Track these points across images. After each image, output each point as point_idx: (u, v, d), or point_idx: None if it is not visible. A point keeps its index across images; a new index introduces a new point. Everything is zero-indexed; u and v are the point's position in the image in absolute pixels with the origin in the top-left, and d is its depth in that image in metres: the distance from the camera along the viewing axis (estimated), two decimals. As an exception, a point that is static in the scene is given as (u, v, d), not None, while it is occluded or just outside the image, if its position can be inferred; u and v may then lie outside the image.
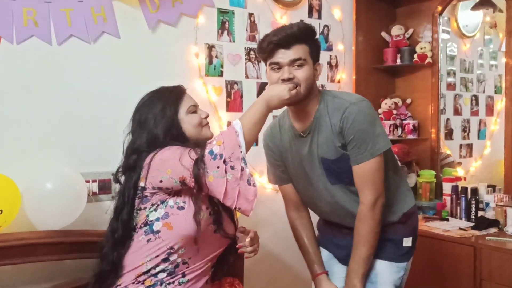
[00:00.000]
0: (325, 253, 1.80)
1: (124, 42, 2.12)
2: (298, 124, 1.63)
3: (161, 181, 1.42)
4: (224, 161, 1.34)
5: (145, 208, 1.47)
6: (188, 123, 1.55)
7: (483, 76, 3.08)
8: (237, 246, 1.63)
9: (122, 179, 1.55)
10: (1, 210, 1.68)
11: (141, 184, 1.46)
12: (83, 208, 1.87)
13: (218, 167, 1.33)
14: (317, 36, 1.61)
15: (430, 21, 2.87)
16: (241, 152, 1.35)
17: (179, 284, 1.48)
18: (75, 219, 1.85)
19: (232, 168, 1.34)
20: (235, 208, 1.36)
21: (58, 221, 1.82)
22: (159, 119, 1.52)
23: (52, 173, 1.87)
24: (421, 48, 2.84)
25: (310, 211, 1.83)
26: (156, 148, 1.48)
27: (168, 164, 1.41)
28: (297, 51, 1.50)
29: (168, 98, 1.56)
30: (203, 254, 1.53)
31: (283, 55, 1.50)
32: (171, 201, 1.45)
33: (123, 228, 1.48)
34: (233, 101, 2.45)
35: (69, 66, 2.00)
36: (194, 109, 1.59)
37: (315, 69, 1.57)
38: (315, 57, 1.56)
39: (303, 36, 1.52)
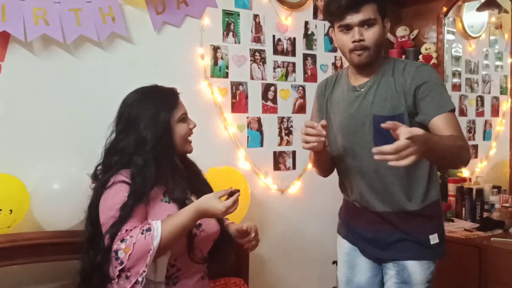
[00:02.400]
0: (347, 245, 1.77)
1: (131, 44, 2.13)
2: (355, 80, 1.64)
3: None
4: (122, 269, 1.30)
5: None
6: (176, 132, 1.52)
7: (488, 76, 3.07)
8: (242, 244, 1.62)
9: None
10: (11, 210, 1.69)
11: None
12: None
13: (115, 267, 1.31)
14: None
15: (435, 22, 2.87)
16: (143, 271, 1.30)
17: (174, 284, 1.48)
18: (82, 219, 1.85)
19: (127, 278, 1.31)
20: None
21: (65, 221, 1.83)
22: (151, 123, 1.47)
23: (60, 174, 1.88)
24: (426, 49, 2.84)
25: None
26: (142, 150, 1.44)
27: (100, 221, 1.41)
28: (367, 11, 1.50)
29: (163, 101, 1.51)
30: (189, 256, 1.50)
31: (353, 17, 1.50)
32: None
33: (93, 227, 1.47)
34: (238, 102, 2.46)
35: (77, 68, 2.02)
36: (184, 116, 1.55)
37: (384, 26, 1.57)
38: (383, 14, 1.55)
39: None
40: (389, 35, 2.97)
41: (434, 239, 1.61)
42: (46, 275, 1.90)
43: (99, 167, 1.54)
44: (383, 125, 1.23)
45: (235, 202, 1.38)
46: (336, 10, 1.52)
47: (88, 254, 1.47)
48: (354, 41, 1.51)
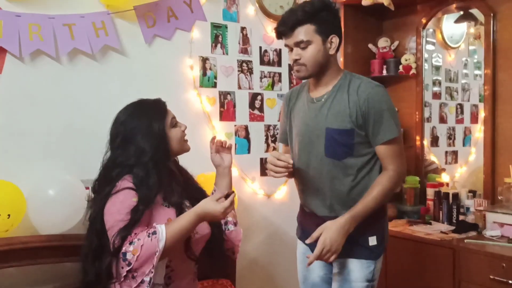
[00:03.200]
0: (302, 246, 1.88)
1: (123, 56, 2.21)
2: (313, 93, 1.74)
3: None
4: (130, 270, 1.38)
5: None
6: (172, 137, 1.59)
7: (467, 85, 3.13)
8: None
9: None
10: (9, 215, 1.76)
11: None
12: (83, 213, 1.95)
13: (122, 267, 1.40)
14: (328, 9, 1.64)
15: (415, 34, 2.98)
16: (151, 271, 1.38)
17: (166, 285, 1.55)
18: (76, 223, 1.93)
19: (133, 277, 1.40)
20: None
21: (59, 225, 1.90)
22: (147, 134, 1.53)
23: (55, 180, 1.95)
24: (406, 60, 2.95)
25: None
26: (142, 161, 1.50)
27: (106, 224, 1.48)
28: (299, 34, 1.62)
29: (153, 112, 1.58)
30: (184, 255, 1.58)
31: (287, 40, 1.67)
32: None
33: (98, 238, 1.51)
34: (226, 110, 2.56)
35: (72, 79, 2.08)
36: (175, 121, 1.63)
37: (330, 42, 1.65)
38: (325, 33, 1.63)
39: (306, 18, 1.61)
40: (371, 46, 3.08)
41: (372, 241, 1.71)
42: (41, 277, 1.95)
43: (97, 182, 1.59)
44: (308, 262, 1.60)
45: (232, 202, 1.47)
46: (276, 34, 1.69)
47: (93, 265, 1.49)
48: (292, 60, 1.67)
